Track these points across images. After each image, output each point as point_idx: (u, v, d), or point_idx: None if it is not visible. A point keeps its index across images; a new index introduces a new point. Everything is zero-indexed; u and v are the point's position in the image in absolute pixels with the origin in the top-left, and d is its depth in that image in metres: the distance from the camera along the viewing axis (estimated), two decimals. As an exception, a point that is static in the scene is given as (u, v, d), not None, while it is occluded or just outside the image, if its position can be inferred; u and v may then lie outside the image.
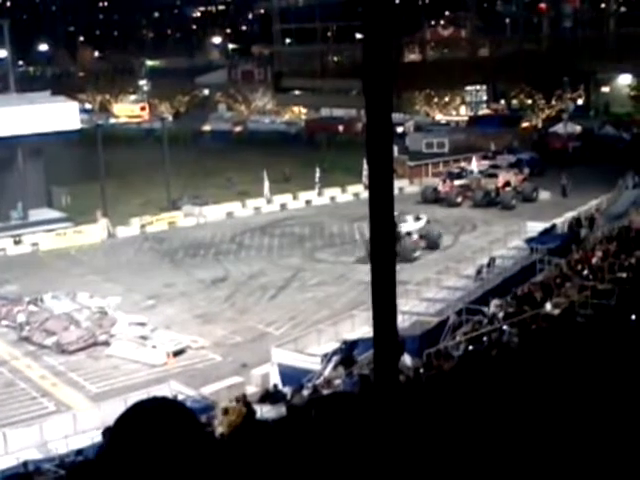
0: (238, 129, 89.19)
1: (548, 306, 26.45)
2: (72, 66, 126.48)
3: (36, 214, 52.69)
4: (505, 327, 25.72)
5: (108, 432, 2.47)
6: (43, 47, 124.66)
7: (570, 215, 44.35)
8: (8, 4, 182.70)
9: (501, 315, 27.56)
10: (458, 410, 3.72)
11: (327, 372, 27.02)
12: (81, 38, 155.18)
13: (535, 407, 3.75)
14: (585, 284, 27.95)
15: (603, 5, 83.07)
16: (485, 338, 25.44)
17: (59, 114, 53.27)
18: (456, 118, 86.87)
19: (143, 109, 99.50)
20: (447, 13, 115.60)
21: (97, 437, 23.79)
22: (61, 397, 29.29)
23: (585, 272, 30.14)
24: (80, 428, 25.30)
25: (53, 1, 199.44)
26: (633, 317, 15.53)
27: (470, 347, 24.88)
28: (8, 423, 26.72)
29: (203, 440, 2.44)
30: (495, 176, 55.59)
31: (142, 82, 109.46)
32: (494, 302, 29.20)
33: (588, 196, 48.83)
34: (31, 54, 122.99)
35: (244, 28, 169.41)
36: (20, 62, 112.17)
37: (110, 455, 2.38)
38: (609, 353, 4.45)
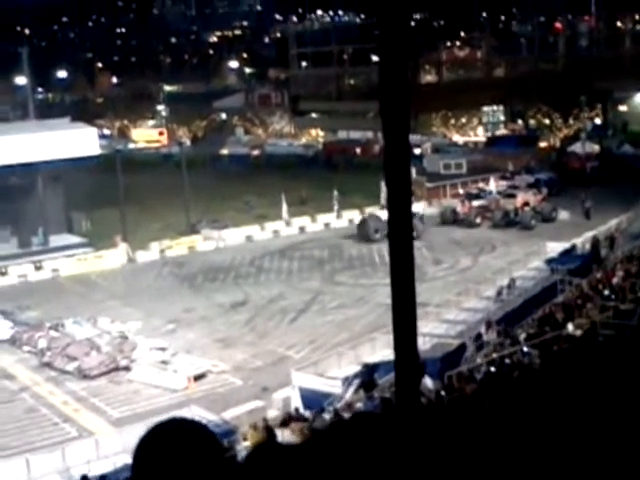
0: (256, 153, 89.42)
1: (570, 327, 26.27)
2: (90, 92, 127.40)
3: (56, 240, 52.96)
4: (526, 348, 25.57)
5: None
6: (62, 74, 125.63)
7: (590, 235, 44.12)
8: (27, 32, 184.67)
9: (523, 337, 27.40)
10: (481, 433, 3.68)
11: (348, 395, 26.92)
12: (99, 64, 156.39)
13: (558, 430, 3.72)
14: (606, 304, 27.77)
15: (619, 24, 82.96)
16: (507, 360, 25.28)
17: (78, 140, 53.67)
18: (473, 139, 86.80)
19: (161, 134, 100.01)
20: (462, 34, 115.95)
21: (119, 462, 23.84)
22: (83, 422, 29.30)
23: (606, 292, 29.94)
24: (102, 453, 25.29)
25: (71, 28, 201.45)
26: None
27: (492, 369, 24.73)
28: (30, 449, 26.75)
29: (224, 462, 2.44)
30: (514, 196, 55.42)
31: (160, 107, 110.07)
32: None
33: (608, 216, 48.59)
34: (50, 81, 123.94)
35: (261, 52, 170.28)
36: (39, 89, 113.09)
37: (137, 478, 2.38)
38: (633, 374, 4.40)
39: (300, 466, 3.48)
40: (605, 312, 26.82)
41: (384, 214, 49.20)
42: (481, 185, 59.56)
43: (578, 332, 25.39)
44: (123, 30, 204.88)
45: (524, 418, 3.84)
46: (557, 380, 4.42)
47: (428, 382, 24.52)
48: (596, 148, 71.51)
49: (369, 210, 55.12)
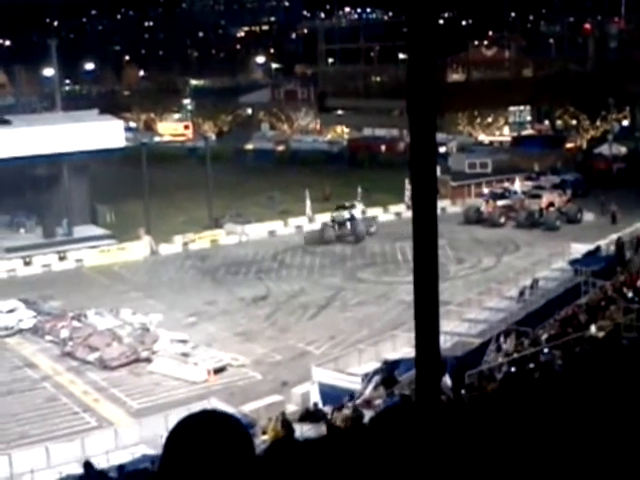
0: (281, 148, 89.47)
1: (593, 329, 26.13)
2: (117, 85, 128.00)
3: (81, 231, 53.29)
4: (546, 350, 25.46)
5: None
6: (89, 66, 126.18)
7: (615, 237, 43.83)
8: (56, 24, 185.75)
9: (545, 337, 27.29)
10: (501, 432, 3.69)
11: (368, 392, 26.92)
12: (127, 57, 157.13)
13: (579, 431, 3.71)
14: (630, 307, 27.59)
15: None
16: (528, 361, 25.18)
17: (104, 132, 53.97)
18: (499, 138, 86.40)
19: (187, 128, 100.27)
20: (490, 33, 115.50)
21: (138, 452, 23.98)
22: (103, 412, 29.50)
23: (630, 295, 29.74)
24: (121, 444, 25.45)
25: (100, 21, 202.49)
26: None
27: (512, 369, 24.64)
28: (50, 437, 26.96)
29: (254, 454, 2.45)
30: (539, 197, 55.16)
31: (186, 101, 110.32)
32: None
33: (633, 218, 48.25)
34: (77, 73, 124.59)
35: (288, 48, 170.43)
36: (66, 81, 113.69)
37: (166, 469, 2.39)
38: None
39: (318, 462, 3.49)
40: (629, 314, 26.65)
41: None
42: (506, 185, 59.31)
43: (601, 334, 25.24)
44: (151, 23, 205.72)
45: (544, 419, 3.84)
46: (579, 382, 4.41)
47: (448, 380, 24.48)
48: (623, 150, 71.06)
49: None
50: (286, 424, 23.60)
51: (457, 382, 24.69)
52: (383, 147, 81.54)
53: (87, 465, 22.04)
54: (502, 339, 29.46)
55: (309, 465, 3.42)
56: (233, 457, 2.37)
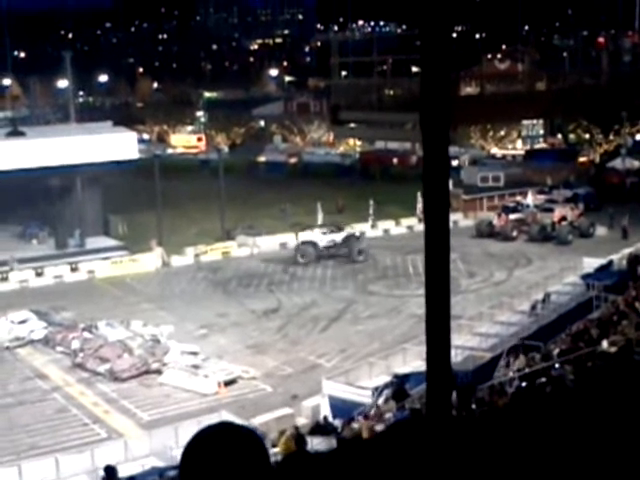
0: (293, 160, 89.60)
1: (604, 344, 25.98)
2: (131, 97, 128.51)
3: (93, 242, 53.39)
4: (557, 364, 25.32)
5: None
6: (103, 78, 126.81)
7: (627, 252, 43.66)
8: (70, 36, 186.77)
9: (556, 352, 27.15)
10: (512, 447, 3.66)
11: (378, 405, 26.82)
12: (140, 69, 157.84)
13: (590, 446, 3.68)
14: (642, 322, 27.42)
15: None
16: (540, 375, 25.05)
17: (118, 144, 54.15)
18: (512, 152, 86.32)
19: (200, 140, 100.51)
20: (504, 47, 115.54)
21: (148, 464, 23.93)
22: (113, 424, 29.48)
23: (642, 310, 29.57)
24: (131, 455, 25.41)
25: (114, 33, 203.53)
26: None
27: (523, 384, 24.52)
28: (60, 448, 26.95)
29: (270, 467, 2.45)
30: (551, 210, 55.04)
31: (199, 113, 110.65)
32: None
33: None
34: (91, 85, 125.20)
35: (300, 61, 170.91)
36: (80, 92, 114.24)
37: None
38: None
39: (329, 475, 3.47)
40: (641, 330, 26.48)
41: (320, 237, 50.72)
42: (518, 198, 59.21)
43: (613, 349, 25.10)
44: (165, 36, 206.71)
45: (555, 434, 3.81)
46: (590, 397, 4.38)
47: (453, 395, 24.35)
48: (636, 164, 70.86)
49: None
50: (299, 438, 23.51)
51: (468, 396, 24.58)
52: (395, 160, 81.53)
53: (110, 470, 21.17)
54: (512, 355, 29.34)
55: (320, 478, 3.40)
56: (250, 468, 2.38)
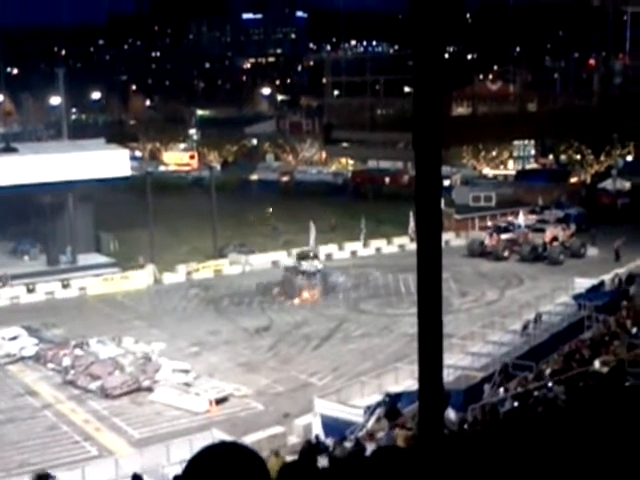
0: (285, 179, 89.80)
1: (596, 364, 26.00)
2: (124, 114, 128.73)
3: (85, 259, 53.34)
4: (550, 384, 25.32)
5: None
6: (96, 95, 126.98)
7: (619, 272, 43.76)
8: (63, 53, 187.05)
9: (548, 372, 27.16)
10: (504, 467, 3.66)
11: (370, 424, 26.77)
12: (133, 87, 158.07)
13: (582, 466, 3.69)
14: (634, 342, 27.47)
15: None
16: (532, 395, 25.05)
17: (110, 161, 54.20)
18: (503, 172, 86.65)
19: (192, 158, 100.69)
20: (496, 67, 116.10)
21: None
22: (104, 442, 29.34)
23: (634, 330, 29.63)
24: (122, 473, 25.27)
25: (107, 51, 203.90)
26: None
27: (515, 403, 24.51)
28: (51, 466, 26.75)
29: None
30: (542, 231, 55.18)
31: (192, 131, 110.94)
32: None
33: (637, 253, 48.16)
34: (84, 102, 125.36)
35: (293, 80, 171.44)
36: (73, 109, 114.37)
37: None
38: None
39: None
40: (633, 350, 26.51)
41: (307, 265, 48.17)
42: (510, 218, 59.37)
43: (605, 369, 25.11)
44: (158, 54, 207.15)
45: (547, 453, 3.82)
46: (582, 417, 4.39)
47: (451, 414, 24.33)
48: (627, 185, 71.17)
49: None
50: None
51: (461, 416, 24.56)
52: (387, 179, 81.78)
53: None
54: (503, 375, 29.33)
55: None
56: None
